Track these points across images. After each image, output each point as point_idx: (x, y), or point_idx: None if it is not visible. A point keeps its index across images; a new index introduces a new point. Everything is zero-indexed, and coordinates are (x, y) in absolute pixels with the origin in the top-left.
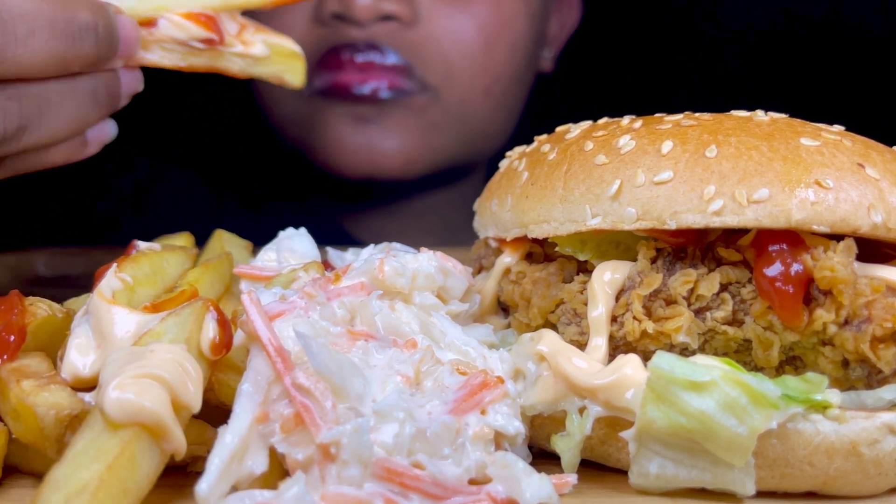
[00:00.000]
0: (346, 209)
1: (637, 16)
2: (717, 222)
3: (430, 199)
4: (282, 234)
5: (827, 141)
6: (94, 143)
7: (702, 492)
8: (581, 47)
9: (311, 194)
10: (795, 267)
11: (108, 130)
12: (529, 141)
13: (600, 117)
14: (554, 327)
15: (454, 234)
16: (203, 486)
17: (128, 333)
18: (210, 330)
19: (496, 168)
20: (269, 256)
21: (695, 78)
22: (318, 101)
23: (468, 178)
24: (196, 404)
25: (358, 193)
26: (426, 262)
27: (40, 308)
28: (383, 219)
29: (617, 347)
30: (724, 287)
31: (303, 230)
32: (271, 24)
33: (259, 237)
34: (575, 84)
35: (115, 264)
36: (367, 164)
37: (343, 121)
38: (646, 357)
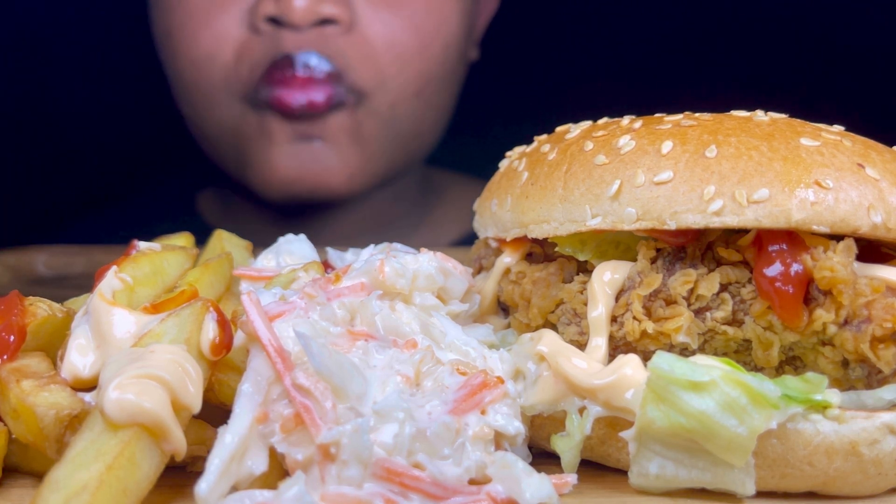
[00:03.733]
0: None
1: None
2: (716, 222)
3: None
4: (281, 239)
5: (827, 141)
6: None
7: (702, 492)
8: (502, 33)
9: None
10: (795, 267)
11: None
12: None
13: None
14: (554, 327)
15: (388, 227)
16: (203, 486)
17: (128, 334)
18: (210, 330)
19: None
20: (268, 259)
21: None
22: (253, 115)
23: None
24: (196, 405)
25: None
26: (426, 263)
27: (40, 308)
28: (316, 214)
29: (617, 347)
30: (723, 287)
31: (302, 236)
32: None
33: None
34: (498, 71)
35: (114, 265)
36: (311, 183)
37: (283, 140)
38: (646, 357)
